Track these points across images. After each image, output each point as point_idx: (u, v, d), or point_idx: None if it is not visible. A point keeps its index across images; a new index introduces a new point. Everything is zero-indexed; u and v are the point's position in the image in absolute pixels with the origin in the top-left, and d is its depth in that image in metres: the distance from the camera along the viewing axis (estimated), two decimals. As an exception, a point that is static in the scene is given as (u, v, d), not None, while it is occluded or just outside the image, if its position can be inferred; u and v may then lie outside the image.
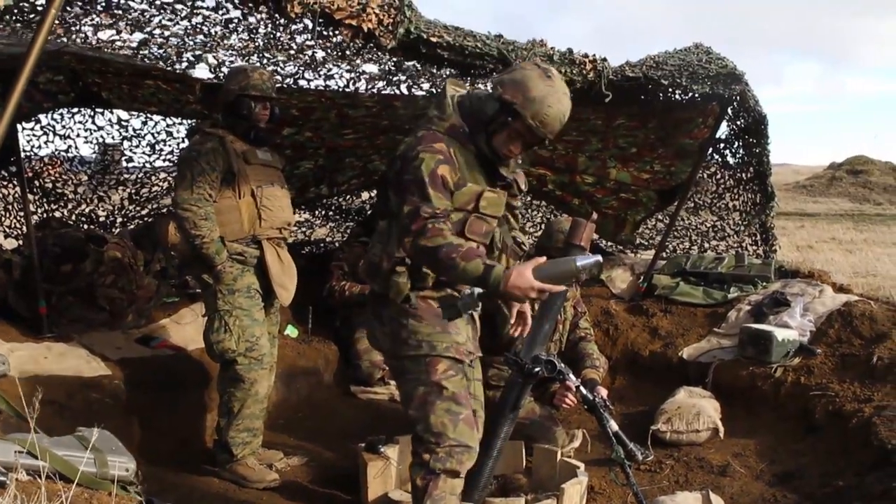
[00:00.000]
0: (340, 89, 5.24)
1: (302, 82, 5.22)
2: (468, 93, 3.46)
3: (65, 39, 4.32)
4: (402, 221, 3.20)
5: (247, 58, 4.74)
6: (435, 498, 3.31)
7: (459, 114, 3.34)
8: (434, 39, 4.29)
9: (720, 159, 7.55)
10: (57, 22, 3.89)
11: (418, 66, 4.70)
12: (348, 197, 8.46)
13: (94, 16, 4.03)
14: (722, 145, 7.25)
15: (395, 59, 4.59)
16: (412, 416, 3.39)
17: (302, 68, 4.98)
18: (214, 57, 4.75)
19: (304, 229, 8.57)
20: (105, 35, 4.36)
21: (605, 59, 5.11)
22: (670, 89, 5.60)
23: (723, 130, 6.89)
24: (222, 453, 4.63)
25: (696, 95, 5.81)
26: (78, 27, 4.18)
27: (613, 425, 4.17)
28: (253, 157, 4.63)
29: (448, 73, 4.79)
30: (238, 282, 4.58)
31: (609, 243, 8.85)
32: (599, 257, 3.34)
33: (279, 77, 5.04)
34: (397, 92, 5.28)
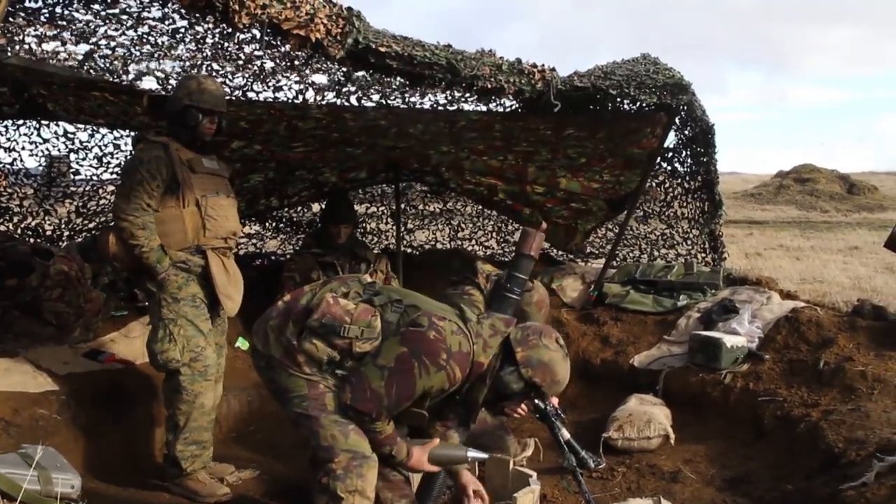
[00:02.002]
0: (290, 100, 5.22)
1: (251, 94, 5.19)
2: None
3: (8, 52, 4.26)
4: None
5: (194, 69, 4.70)
6: None
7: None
8: (382, 49, 4.30)
9: (669, 168, 7.61)
10: (-1, 35, 3.85)
11: (367, 76, 4.70)
12: (299, 209, 8.42)
13: (37, 27, 3.98)
14: (670, 154, 7.30)
15: (344, 70, 4.59)
16: (305, 435, 3.43)
17: (251, 80, 4.96)
18: (161, 70, 4.70)
19: (254, 241, 8.52)
20: (50, 46, 4.31)
21: (553, 69, 5.13)
22: (618, 99, 5.64)
23: (671, 140, 6.95)
24: (172, 468, 4.56)
25: (644, 105, 5.86)
26: (21, 37, 4.12)
27: (565, 433, 4.19)
28: (198, 165, 4.56)
29: (398, 82, 4.79)
30: (183, 290, 4.51)
31: (560, 252, 8.90)
32: (486, 456, 3.93)
33: (228, 89, 5.01)
34: (347, 104, 5.27)
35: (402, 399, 3.32)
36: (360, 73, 4.65)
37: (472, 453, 3.74)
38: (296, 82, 4.94)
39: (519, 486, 4.16)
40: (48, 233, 7.06)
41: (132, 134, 6.47)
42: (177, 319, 4.48)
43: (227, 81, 4.95)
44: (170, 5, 3.81)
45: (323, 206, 7.92)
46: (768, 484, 4.53)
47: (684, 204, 7.94)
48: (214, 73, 4.81)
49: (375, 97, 5.16)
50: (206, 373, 4.55)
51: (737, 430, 5.38)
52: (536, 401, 4.17)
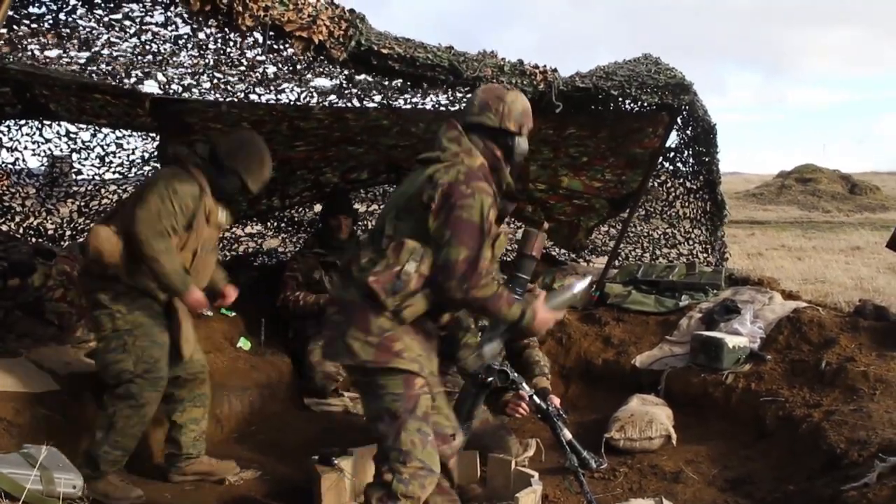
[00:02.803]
0: (291, 103, 5.22)
1: (253, 97, 5.20)
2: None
3: (10, 58, 4.27)
4: (455, 266, 3.28)
5: (196, 76, 4.70)
6: None
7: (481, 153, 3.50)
8: (385, 51, 4.30)
9: (671, 168, 7.62)
10: (2, 42, 3.85)
11: (370, 79, 4.70)
12: (300, 209, 8.42)
13: (40, 36, 3.98)
14: (672, 154, 7.31)
15: (346, 73, 4.59)
16: (381, 431, 3.39)
17: (253, 85, 4.96)
18: (164, 74, 4.70)
19: (256, 240, 8.52)
20: (52, 53, 4.31)
21: (555, 70, 5.14)
22: (620, 99, 5.65)
23: (672, 140, 6.95)
24: (85, 467, 4.26)
25: (646, 105, 5.86)
26: (24, 45, 4.12)
27: (567, 434, 4.19)
28: (214, 217, 4.51)
29: (399, 84, 4.80)
30: (138, 301, 4.40)
31: (562, 252, 8.90)
32: (590, 278, 3.98)
33: (230, 92, 5.02)
34: (349, 105, 5.27)
35: (477, 234, 3.33)
36: (362, 77, 4.64)
37: (579, 285, 3.87)
38: (298, 86, 4.94)
39: (521, 486, 4.16)
40: (50, 232, 7.06)
41: (134, 134, 6.49)
42: (133, 329, 4.36)
43: (229, 88, 4.96)
44: (173, 9, 3.80)
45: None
46: (770, 484, 4.53)
47: (686, 204, 7.95)
48: (216, 81, 4.81)
49: (377, 98, 5.16)
50: (158, 384, 4.42)
51: (738, 431, 5.38)
52: (538, 400, 4.19)
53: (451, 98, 5.17)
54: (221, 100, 5.25)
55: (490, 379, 3.95)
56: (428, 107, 5.34)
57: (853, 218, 28.11)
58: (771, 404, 5.31)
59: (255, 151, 4.53)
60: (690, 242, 8.25)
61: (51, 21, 3.89)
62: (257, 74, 4.70)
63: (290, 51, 4.06)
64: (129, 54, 4.35)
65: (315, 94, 5.08)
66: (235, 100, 5.15)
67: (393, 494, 3.30)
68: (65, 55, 4.33)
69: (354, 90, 4.96)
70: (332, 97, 5.14)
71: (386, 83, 4.79)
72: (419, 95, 5.14)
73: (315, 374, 6.20)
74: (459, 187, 3.31)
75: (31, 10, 3.78)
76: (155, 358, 4.39)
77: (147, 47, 4.26)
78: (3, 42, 3.91)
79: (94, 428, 4.44)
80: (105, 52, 4.25)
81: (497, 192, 3.49)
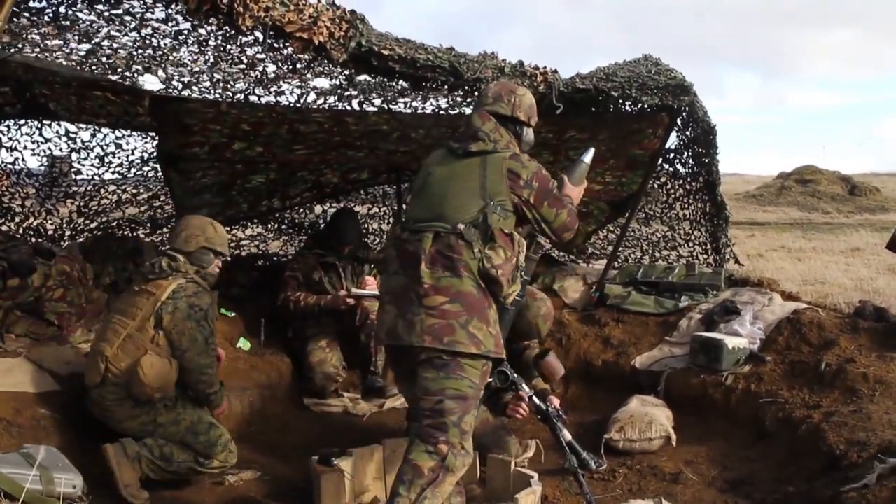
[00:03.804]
0: (291, 104, 5.22)
1: (252, 98, 5.20)
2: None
3: (11, 50, 4.27)
4: (571, 223, 3.92)
5: (196, 74, 4.70)
6: (437, 493, 3.47)
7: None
8: (385, 52, 4.30)
9: (670, 169, 7.61)
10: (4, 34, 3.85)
11: (370, 79, 4.70)
12: (301, 210, 8.42)
13: (41, 27, 3.99)
14: (672, 155, 7.30)
15: (346, 73, 4.59)
16: (448, 407, 3.53)
17: (253, 85, 4.96)
18: (164, 71, 4.70)
19: (256, 243, 8.52)
20: (53, 43, 4.31)
21: (555, 71, 5.14)
22: (620, 100, 5.65)
23: (672, 141, 6.94)
24: None
25: (646, 107, 5.86)
26: (25, 35, 4.13)
27: (567, 435, 4.19)
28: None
29: (399, 86, 4.79)
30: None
31: (561, 253, 8.90)
32: (592, 149, 4.30)
33: (230, 93, 5.02)
34: (349, 107, 5.26)
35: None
36: (363, 77, 4.65)
37: (588, 154, 4.24)
38: (298, 87, 4.93)
39: (520, 487, 4.16)
40: (50, 232, 7.06)
41: (134, 134, 6.49)
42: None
43: (229, 88, 4.96)
44: (174, 7, 3.80)
45: (327, 211, 7.94)
46: (770, 486, 4.54)
47: (686, 205, 7.95)
48: (217, 80, 4.81)
49: (377, 101, 5.16)
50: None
51: (738, 432, 5.38)
52: (538, 401, 4.19)
53: (451, 102, 5.17)
54: (221, 99, 5.25)
55: (490, 380, 3.95)
56: (428, 111, 5.34)
57: (853, 219, 28.08)
58: (771, 405, 5.31)
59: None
60: (690, 244, 8.25)
61: (51, 15, 3.90)
62: (257, 73, 4.70)
63: (290, 49, 4.06)
64: (129, 48, 4.35)
65: (314, 95, 5.08)
66: (235, 101, 5.15)
67: (447, 467, 3.49)
68: (65, 46, 4.34)
69: (354, 91, 4.95)
70: (333, 99, 5.14)
71: (386, 84, 4.79)
72: (419, 99, 5.14)
73: (315, 374, 6.20)
74: (542, 173, 3.78)
75: (31, 4, 3.79)
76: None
77: (147, 41, 4.26)
78: (3, 33, 3.91)
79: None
80: (105, 43, 4.26)
81: None
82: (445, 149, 3.91)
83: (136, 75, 4.81)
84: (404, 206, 8.26)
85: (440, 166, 3.85)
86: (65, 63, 4.62)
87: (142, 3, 3.82)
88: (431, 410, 3.55)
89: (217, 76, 4.73)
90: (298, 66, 4.41)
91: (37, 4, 3.78)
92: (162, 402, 4.53)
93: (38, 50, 4.42)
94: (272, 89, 5.01)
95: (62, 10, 3.85)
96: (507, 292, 3.65)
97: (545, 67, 5.10)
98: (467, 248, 3.56)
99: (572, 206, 3.95)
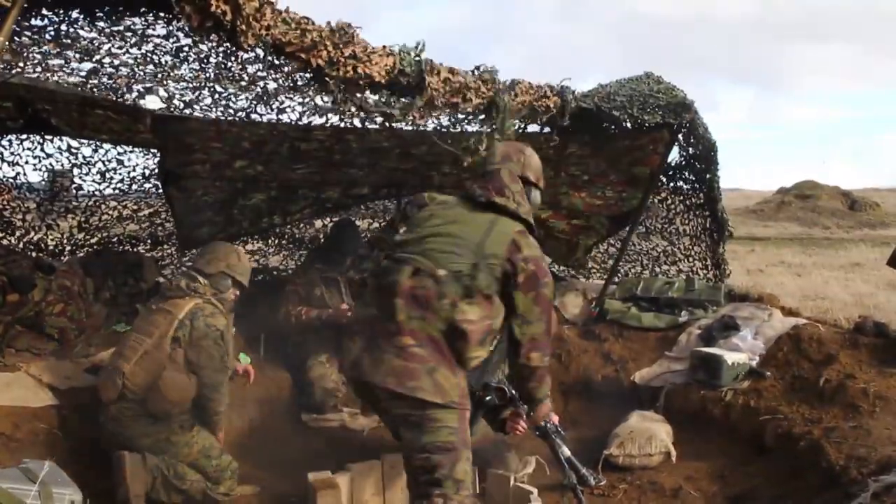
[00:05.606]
0: (293, 122, 5.23)
1: (254, 116, 5.20)
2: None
3: (13, 68, 4.28)
4: (543, 339, 3.71)
5: (197, 90, 4.71)
6: None
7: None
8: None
9: (671, 185, 7.62)
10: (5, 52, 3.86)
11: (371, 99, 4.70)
12: (301, 226, 8.42)
13: (42, 45, 4.00)
14: (672, 172, 7.32)
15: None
16: (436, 461, 3.47)
17: (254, 102, 4.96)
18: (165, 90, 4.71)
19: (256, 257, 8.51)
20: (54, 62, 4.33)
21: (567, 87, 5.20)
22: (622, 120, 5.67)
23: (673, 157, 6.96)
24: None
25: (648, 124, 5.87)
26: (26, 54, 4.15)
27: (566, 451, 4.18)
28: None
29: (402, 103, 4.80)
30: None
31: (561, 268, 8.90)
32: None
33: (231, 110, 5.03)
34: (350, 125, 5.27)
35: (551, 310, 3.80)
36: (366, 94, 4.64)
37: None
38: (299, 104, 4.93)
39: (520, 502, 4.16)
40: (51, 247, 7.07)
41: (134, 149, 6.51)
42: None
43: (230, 104, 4.97)
44: (175, 24, 3.81)
45: (327, 226, 7.94)
46: (769, 501, 4.54)
47: (686, 220, 7.95)
48: (218, 96, 4.82)
49: (379, 119, 5.16)
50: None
51: (738, 448, 5.37)
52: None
53: (453, 119, 5.18)
54: (223, 118, 5.25)
55: (488, 397, 3.94)
56: (429, 128, 5.35)
57: (853, 234, 28.09)
58: (770, 421, 5.30)
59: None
60: (690, 259, 8.25)
61: (52, 33, 3.91)
62: (257, 89, 4.70)
63: (288, 69, 4.07)
64: (130, 64, 4.36)
65: (315, 111, 5.08)
66: (237, 119, 5.16)
67: None
68: (66, 66, 4.35)
69: (354, 109, 4.95)
70: (334, 118, 5.14)
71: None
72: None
73: (314, 389, 6.19)
74: (542, 264, 3.66)
75: (33, 22, 3.81)
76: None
77: (148, 58, 4.27)
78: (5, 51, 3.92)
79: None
80: (107, 60, 4.27)
81: None
82: (462, 195, 3.85)
83: (137, 98, 4.83)
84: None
85: (449, 208, 3.80)
86: (68, 81, 4.63)
87: (143, 20, 3.83)
88: (422, 469, 3.51)
89: (219, 89, 4.74)
90: (299, 83, 4.41)
91: (38, 22, 3.80)
92: (178, 420, 4.61)
93: (39, 69, 4.43)
94: (274, 106, 5.01)
95: (63, 27, 3.86)
96: (472, 354, 3.55)
97: (560, 84, 5.19)
98: (439, 297, 3.47)
99: (550, 329, 3.74)
